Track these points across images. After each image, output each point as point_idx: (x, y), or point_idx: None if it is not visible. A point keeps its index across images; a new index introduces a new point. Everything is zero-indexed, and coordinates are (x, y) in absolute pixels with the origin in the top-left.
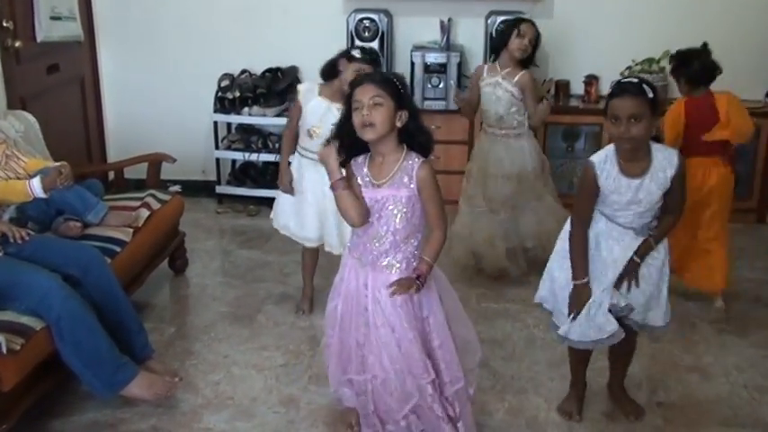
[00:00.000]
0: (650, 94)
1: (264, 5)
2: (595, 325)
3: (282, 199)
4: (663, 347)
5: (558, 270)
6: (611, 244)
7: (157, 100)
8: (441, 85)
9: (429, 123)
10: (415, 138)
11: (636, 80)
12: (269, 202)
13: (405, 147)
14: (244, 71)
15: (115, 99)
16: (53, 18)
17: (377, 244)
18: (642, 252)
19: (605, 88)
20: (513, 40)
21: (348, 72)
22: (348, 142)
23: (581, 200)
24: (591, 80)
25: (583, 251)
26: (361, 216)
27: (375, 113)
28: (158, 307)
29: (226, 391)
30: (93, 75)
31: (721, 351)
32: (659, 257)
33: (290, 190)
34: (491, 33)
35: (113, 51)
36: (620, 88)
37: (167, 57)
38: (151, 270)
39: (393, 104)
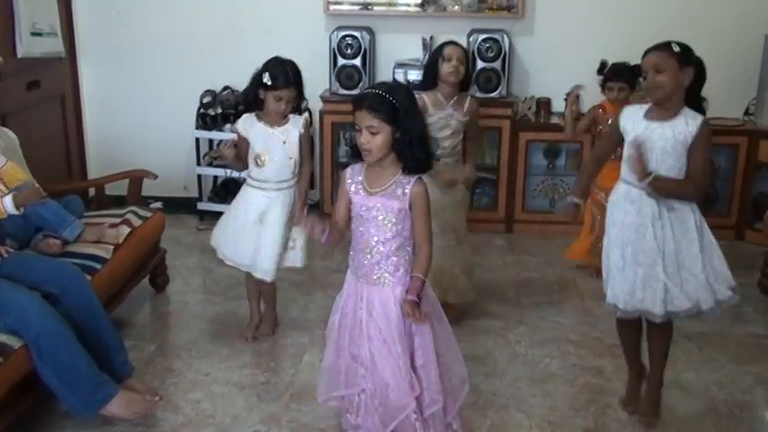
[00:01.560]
0: (676, 49)
1: (247, 22)
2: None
3: (225, 221)
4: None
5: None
6: (628, 207)
7: (139, 116)
8: None
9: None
10: (411, 154)
11: (664, 42)
12: None
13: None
14: (226, 88)
15: (96, 115)
16: (34, 34)
17: (368, 256)
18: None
19: (586, 106)
20: (441, 67)
21: (270, 101)
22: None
23: (601, 137)
24: (574, 95)
25: (586, 173)
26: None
27: (372, 141)
28: (139, 324)
29: (206, 410)
30: (74, 91)
31: (702, 367)
32: (690, 227)
33: (230, 153)
34: (473, 51)
35: (95, 68)
36: (648, 48)
37: (149, 73)
38: (132, 287)
39: (390, 129)
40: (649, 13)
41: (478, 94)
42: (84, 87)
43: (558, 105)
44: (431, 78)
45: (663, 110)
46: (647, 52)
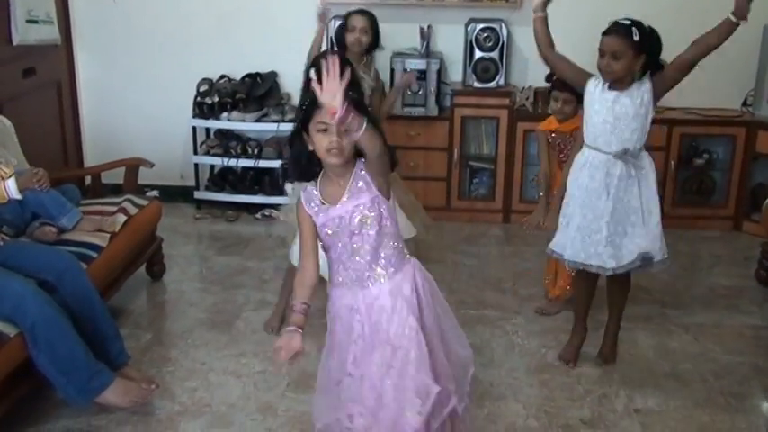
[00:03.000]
0: (636, 37)
1: (244, 11)
2: (587, 248)
3: None
4: (640, 353)
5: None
6: (593, 172)
7: (135, 104)
8: (420, 92)
9: (409, 130)
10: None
11: (628, 22)
12: (247, 207)
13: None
14: (223, 76)
15: (92, 103)
16: (29, 21)
17: (357, 258)
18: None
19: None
20: (346, 36)
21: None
22: (299, 161)
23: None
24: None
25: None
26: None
27: (344, 140)
28: (135, 313)
29: (203, 398)
30: (70, 79)
31: (698, 358)
32: (651, 183)
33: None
34: (470, 41)
35: (91, 55)
36: (610, 28)
37: (146, 61)
38: (128, 276)
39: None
40: (648, 3)
41: (476, 84)
42: (80, 75)
43: None
44: (340, 47)
45: (619, 84)
46: (608, 32)
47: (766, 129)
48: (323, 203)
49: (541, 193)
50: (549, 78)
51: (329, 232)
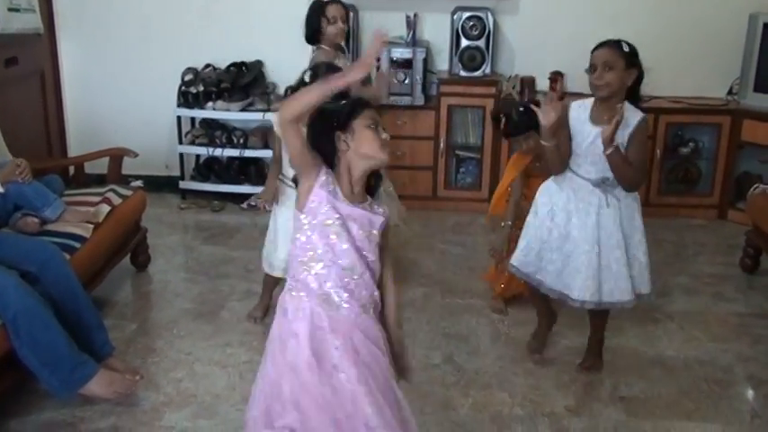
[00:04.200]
0: (626, 48)
1: (229, 0)
2: (537, 263)
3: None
4: (625, 342)
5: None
6: (570, 193)
7: (120, 94)
8: (407, 81)
9: (395, 119)
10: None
11: (615, 39)
12: (233, 197)
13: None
14: (208, 65)
15: (76, 93)
16: (11, 9)
17: (355, 277)
18: (606, 136)
19: (571, 85)
20: (327, 28)
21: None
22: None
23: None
24: (555, 76)
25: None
26: None
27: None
28: (120, 303)
29: (188, 389)
30: (53, 68)
31: (683, 345)
32: (636, 214)
33: (271, 198)
34: (457, 29)
35: (74, 44)
36: (599, 43)
37: (130, 50)
38: (112, 266)
39: None
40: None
41: (462, 73)
42: (63, 64)
43: (543, 84)
44: (314, 35)
45: (606, 109)
46: (597, 47)
47: (751, 117)
48: (338, 193)
49: (509, 223)
50: (498, 125)
51: (329, 222)
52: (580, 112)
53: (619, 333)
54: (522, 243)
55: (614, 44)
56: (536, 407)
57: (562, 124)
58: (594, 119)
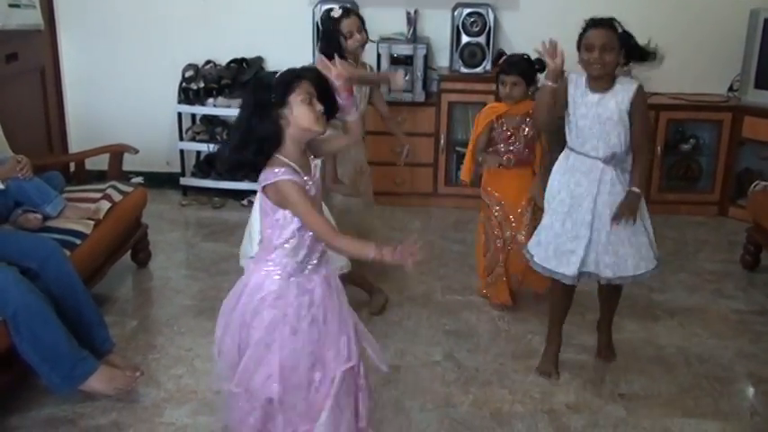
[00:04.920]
0: (619, 29)
1: None
2: (559, 257)
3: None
4: (625, 338)
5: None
6: (579, 177)
7: (120, 90)
8: (407, 77)
9: (395, 116)
10: None
11: (608, 18)
12: (234, 194)
13: None
14: (208, 62)
15: (77, 89)
16: (11, 5)
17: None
18: (632, 200)
19: None
20: (347, 44)
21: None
22: (271, 138)
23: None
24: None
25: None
26: None
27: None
28: (120, 300)
29: (188, 385)
30: (53, 64)
31: (683, 342)
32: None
33: None
34: (457, 25)
35: (75, 40)
36: (594, 22)
37: (131, 46)
38: (113, 263)
39: None
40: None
41: (463, 69)
42: (63, 60)
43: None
44: (337, 51)
45: (601, 83)
46: (592, 27)
47: (752, 114)
48: (303, 176)
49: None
50: (495, 62)
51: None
52: (578, 81)
53: (619, 330)
54: (536, 240)
55: (609, 23)
56: (536, 404)
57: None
58: (593, 88)
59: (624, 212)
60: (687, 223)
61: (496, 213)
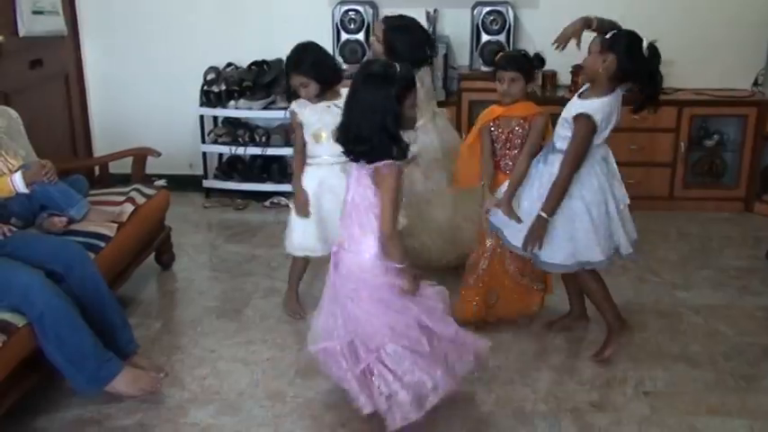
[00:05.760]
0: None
1: None
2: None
3: (297, 222)
4: (649, 336)
5: (527, 200)
6: (597, 169)
7: (143, 94)
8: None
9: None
10: None
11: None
12: (256, 196)
13: None
14: (229, 64)
15: (100, 94)
16: (35, 12)
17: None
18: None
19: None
20: (373, 47)
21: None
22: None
23: (581, 149)
24: (578, 70)
25: (565, 194)
26: None
27: None
28: (145, 302)
29: (212, 386)
30: (77, 69)
31: (708, 340)
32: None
33: (305, 211)
34: (477, 24)
35: (98, 45)
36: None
37: (152, 50)
38: (137, 265)
39: None
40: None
41: (483, 68)
42: (87, 65)
43: (565, 79)
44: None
45: (599, 88)
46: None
47: None
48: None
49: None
50: (492, 60)
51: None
52: (604, 112)
53: (642, 328)
54: (562, 249)
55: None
56: (559, 402)
57: None
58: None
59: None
60: (712, 220)
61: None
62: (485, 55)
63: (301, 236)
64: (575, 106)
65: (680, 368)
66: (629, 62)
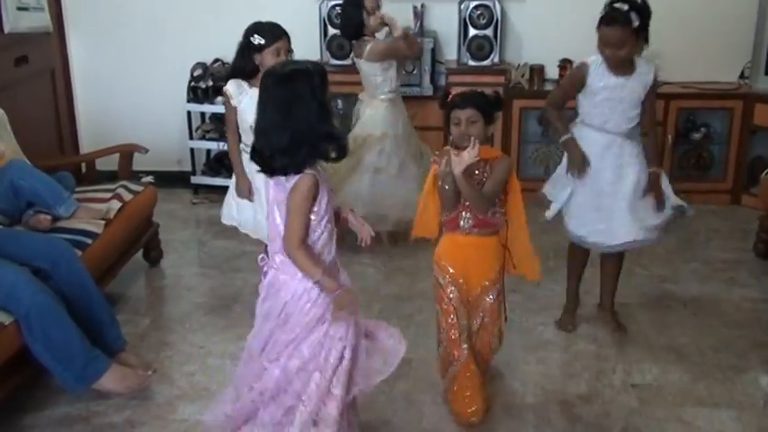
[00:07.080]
0: (636, 23)
1: None
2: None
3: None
4: (638, 329)
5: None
6: (603, 151)
7: (130, 90)
8: (415, 71)
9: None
10: None
11: (626, 7)
12: None
13: None
14: (216, 60)
15: (87, 90)
16: (20, 9)
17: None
18: (654, 180)
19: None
20: (369, 21)
21: (267, 59)
22: None
23: (561, 88)
24: (565, 64)
25: (558, 116)
26: None
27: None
28: (133, 299)
29: (201, 382)
30: (63, 66)
31: (696, 332)
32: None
33: (248, 197)
34: (464, 18)
35: (84, 42)
36: (609, 15)
37: (139, 46)
38: (125, 262)
39: None
40: None
41: (471, 62)
42: (73, 62)
43: (552, 72)
44: (358, 30)
45: (621, 68)
46: (608, 23)
47: (764, 101)
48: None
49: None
50: (442, 103)
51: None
52: (599, 69)
53: (631, 320)
54: (571, 214)
55: (623, 19)
56: (548, 395)
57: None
58: (615, 72)
59: (653, 191)
60: (699, 212)
61: (451, 295)
62: (472, 49)
63: (234, 209)
64: (639, 78)
65: (668, 361)
66: (646, 27)
